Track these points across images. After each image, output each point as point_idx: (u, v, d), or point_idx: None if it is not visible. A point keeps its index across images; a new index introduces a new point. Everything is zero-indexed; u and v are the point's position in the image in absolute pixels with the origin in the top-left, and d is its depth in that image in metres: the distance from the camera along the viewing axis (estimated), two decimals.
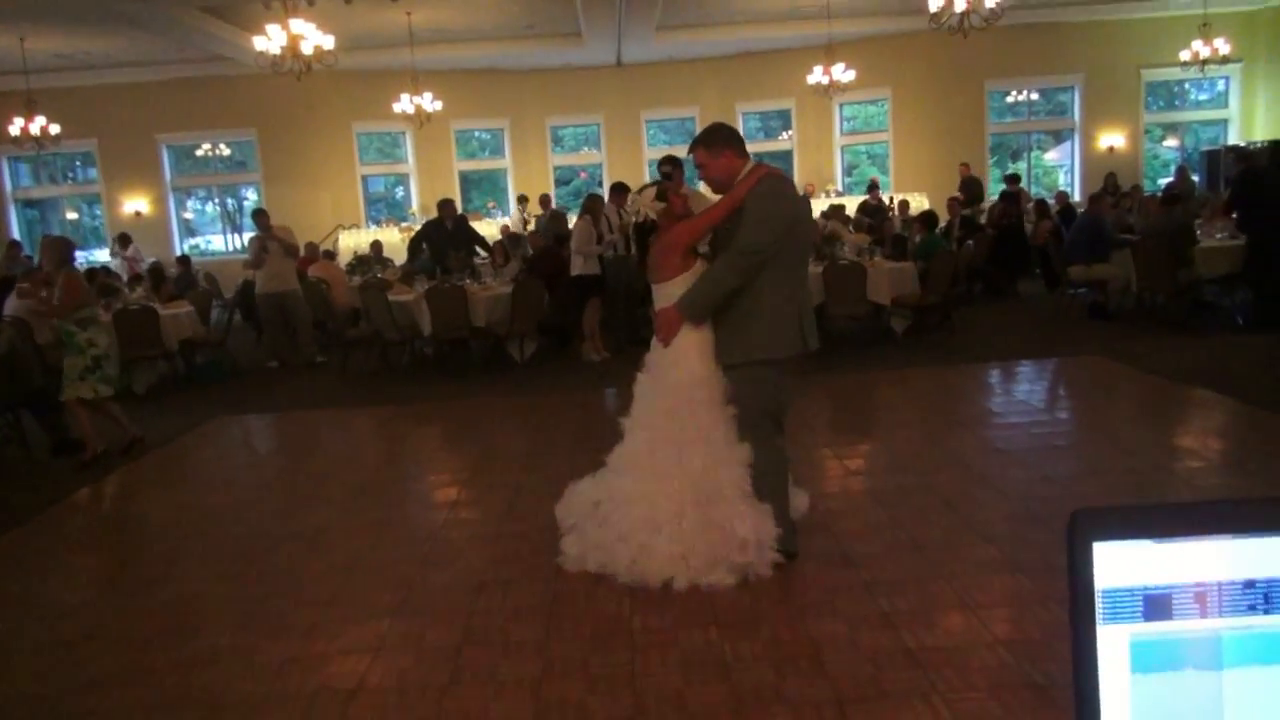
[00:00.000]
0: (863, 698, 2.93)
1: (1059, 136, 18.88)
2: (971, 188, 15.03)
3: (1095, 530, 0.81)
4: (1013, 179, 14.35)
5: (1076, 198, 16.37)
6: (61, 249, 6.78)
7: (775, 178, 3.88)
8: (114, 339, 6.71)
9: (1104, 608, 0.80)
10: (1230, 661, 0.81)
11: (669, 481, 3.79)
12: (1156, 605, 0.80)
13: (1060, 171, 18.95)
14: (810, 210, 4.29)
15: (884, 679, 3.04)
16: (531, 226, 14.74)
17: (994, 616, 3.43)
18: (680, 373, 3.85)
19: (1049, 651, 3.12)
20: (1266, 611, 0.80)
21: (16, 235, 16.74)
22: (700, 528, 3.75)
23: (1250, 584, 0.80)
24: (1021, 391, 7.40)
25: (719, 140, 3.91)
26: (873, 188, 15.69)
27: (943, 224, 12.15)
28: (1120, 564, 0.80)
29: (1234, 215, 9.36)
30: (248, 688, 3.26)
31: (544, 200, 14.23)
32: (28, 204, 18.26)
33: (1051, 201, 14.15)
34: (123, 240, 15.67)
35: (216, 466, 6.82)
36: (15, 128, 14.45)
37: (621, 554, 3.83)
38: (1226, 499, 0.79)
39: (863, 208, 14.95)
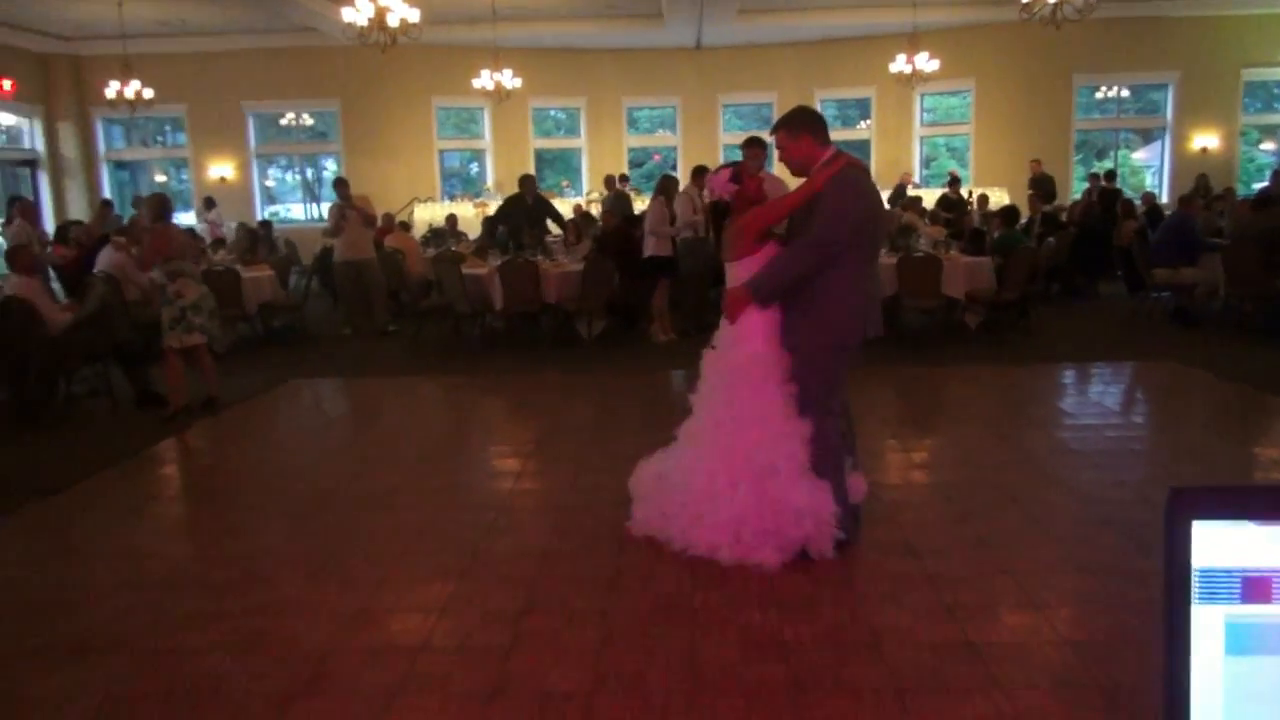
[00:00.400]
0: (923, 688, 2.92)
1: (1148, 135, 18.30)
2: (1043, 185, 14.64)
3: (1194, 509, 0.80)
4: (1109, 176, 13.95)
5: (1164, 199, 15.87)
6: (157, 205, 7.10)
7: (855, 168, 3.87)
8: (207, 292, 6.94)
9: (1200, 587, 0.80)
10: None
11: (728, 455, 3.86)
12: (1255, 588, 0.80)
13: (1148, 172, 18.38)
14: (881, 202, 4.24)
15: (945, 671, 3.02)
16: (596, 206, 14.76)
17: (1059, 616, 3.38)
18: (743, 351, 3.92)
19: (1115, 654, 3.07)
20: None
21: (108, 195, 17.32)
22: (755, 500, 3.81)
23: None
24: (1096, 393, 7.23)
25: (799, 123, 3.92)
26: (952, 181, 15.38)
27: (1023, 220, 11.88)
28: (1219, 544, 0.80)
29: None
30: (317, 637, 3.37)
31: (609, 181, 14.18)
32: (119, 165, 18.87)
33: (1138, 202, 13.74)
34: (207, 203, 16.14)
35: (290, 427, 7.02)
36: (111, 91, 14.93)
37: (677, 521, 3.97)
38: None
39: (942, 201, 14.69)
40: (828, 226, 3.71)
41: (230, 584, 3.86)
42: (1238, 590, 0.80)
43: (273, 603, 3.67)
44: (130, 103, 14.95)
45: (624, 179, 15.38)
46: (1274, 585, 0.79)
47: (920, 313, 9.37)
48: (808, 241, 3.77)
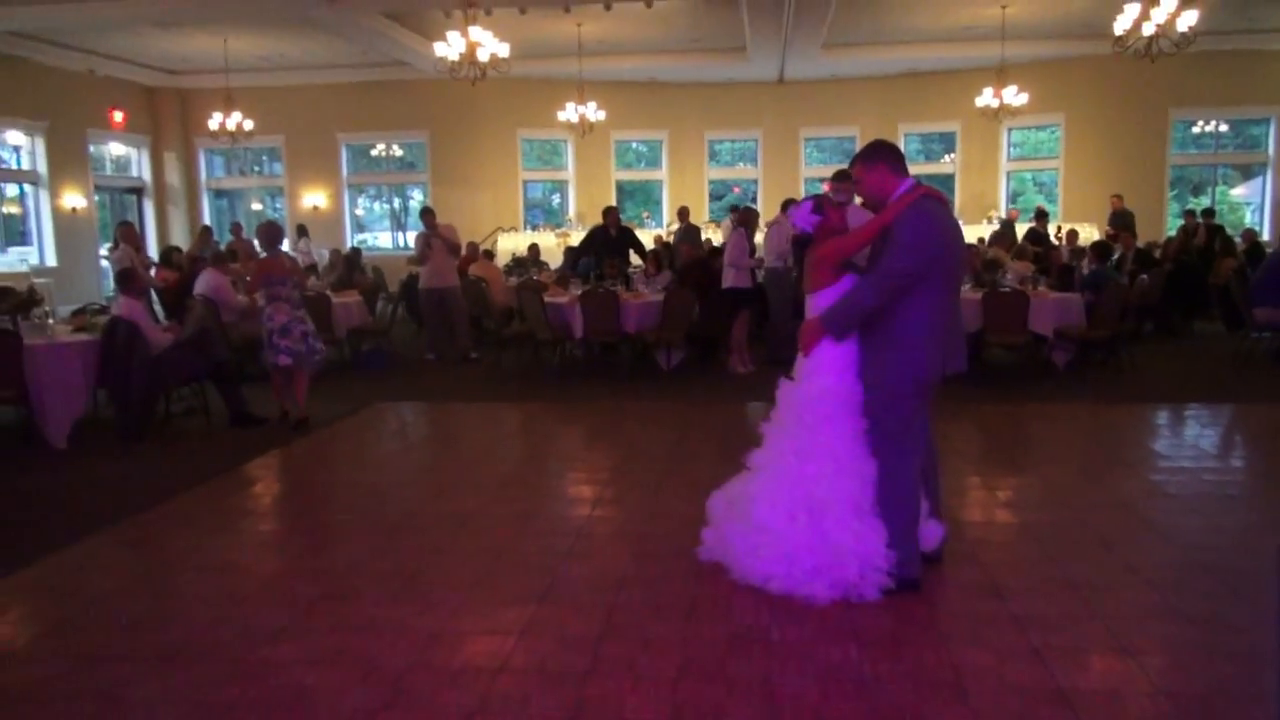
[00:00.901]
0: None
1: (1248, 171, 17.70)
2: (1124, 220, 14.27)
3: None
4: (1207, 213, 13.56)
5: (1266, 236, 15.31)
6: (270, 232, 7.63)
7: (930, 199, 3.82)
8: (302, 315, 7.42)
9: None
10: None
11: (790, 488, 3.85)
12: None
13: (1247, 209, 17.76)
14: (960, 235, 4.11)
15: (1031, 715, 2.93)
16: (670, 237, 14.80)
17: (1153, 664, 3.25)
18: (815, 384, 3.91)
19: (1211, 705, 2.95)
20: None
21: (208, 221, 18.06)
22: (809, 536, 3.78)
23: None
24: (1192, 436, 6.97)
25: (875, 155, 3.92)
26: (1040, 216, 15.07)
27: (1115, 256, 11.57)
28: None
29: None
30: (398, 655, 3.42)
31: (682, 213, 14.20)
32: (219, 193, 19.68)
33: (1238, 239, 13.27)
34: (300, 231, 16.70)
35: (374, 449, 7.17)
36: (214, 122, 15.62)
37: (737, 549, 3.97)
38: None
39: (1030, 235, 14.40)
40: (897, 258, 3.69)
41: (315, 600, 3.96)
42: None
43: (355, 620, 3.74)
44: (231, 133, 15.63)
45: (682, 212, 14.94)
46: None
47: (1006, 349, 9.17)
48: (878, 273, 3.76)
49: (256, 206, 19.81)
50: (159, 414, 7.40)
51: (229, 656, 3.46)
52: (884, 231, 3.79)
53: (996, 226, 15.41)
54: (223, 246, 13.70)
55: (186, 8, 12.47)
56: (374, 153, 19.14)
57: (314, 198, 18.47)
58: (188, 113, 18.13)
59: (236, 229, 15.08)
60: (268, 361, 7.36)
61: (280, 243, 7.67)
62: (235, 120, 15.61)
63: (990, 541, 4.54)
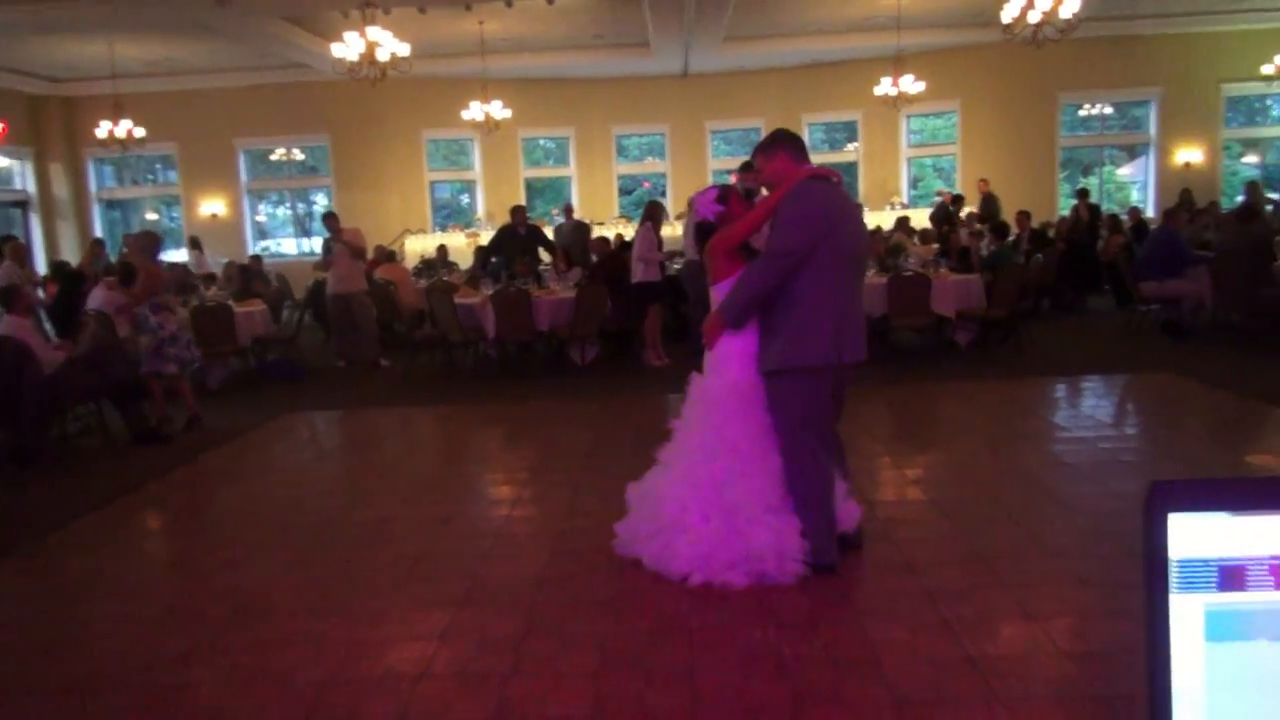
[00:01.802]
0: (922, 701, 2.92)
1: (1133, 151, 18.48)
2: (989, 205, 14.85)
3: (1171, 502, 0.82)
4: (1081, 193, 14.12)
5: (1150, 213, 16.00)
6: (148, 242, 7.45)
7: (817, 180, 3.82)
8: (186, 326, 7.45)
9: (1178, 577, 0.82)
10: None
11: (696, 487, 3.86)
12: (1231, 576, 0.82)
13: (1133, 187, 18.54)
14: (859, 217, 4.10)
15: (944, 684, 3.02)
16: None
17: (1058, 628, 3.39)
18: (719, 379, 3.91)
19: (1115, 664, 3.08)
20: None
21: (99, 234, 17.36)
22: (722, 533, 3.80)
23: None
24: (1089, 407, 7.27)
25: (774, 145, 3.94)
26: (956, 200, 15.27)
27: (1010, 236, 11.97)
28: (1195, 535, 0.82)
29: None
30: (316, 669, 3.36)
31: (567, 209, 14.13)
32: (110, 204, 18.93)
33: (1124, 217, 13.87)
34: (193, 243, 16.15)
35: (285, 460, 7.01)
36: (102, 130, 15.02)
37: (650, 546, 3.98)
38: None
39: (939, 214, 14.72)
40: (779, 237, 3.70)
41: (228, 619, 3.85)
42: (1215, 579, 0.82)
43: (271, 636, 3.66)
44: (121, 142, 15.04)
45: (567, 209, 14.73)
46: (1249, 573, 0.81)
47: (911, 331, 9.41)
48: (764, 254, 3.75)
49: (151, 216, 19.12)
50: (54, 435, 7.10)
51: (138, 684, 3.34)
52: (772, 215, 3.79)
53: (900, 212, 15.77)
54: (114, 259, 13.22)
55: (68, 13, 11.94)
56: (274, 157, 18.65)
57: (212, 205, 17.91)
58: (74, 121, 17.37)
59: (129, 241, 14.53)
60: (146, 370, 7.34)
61: (159, 252, 7.72)
62: (125, 128, 15.02)
63: (902, 519, 4.66)
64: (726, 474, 3.81)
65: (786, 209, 3.73)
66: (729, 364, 3.88)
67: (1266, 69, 14.78)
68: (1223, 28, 16.34)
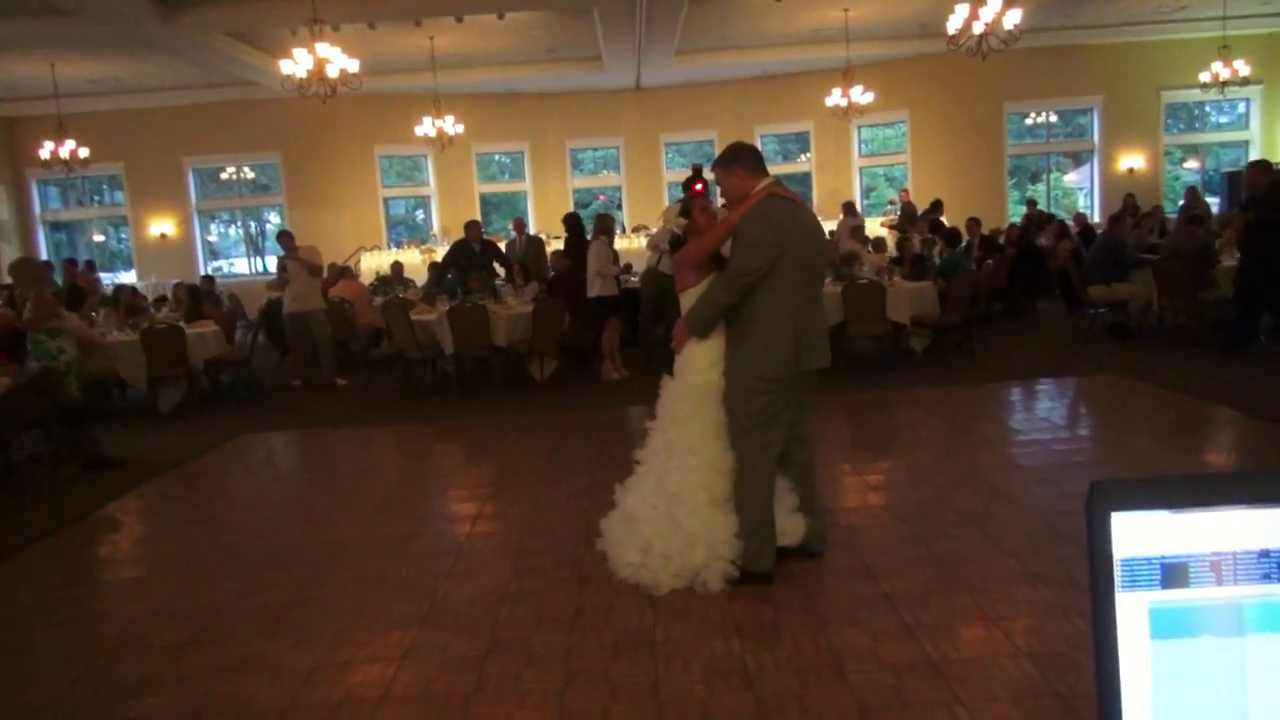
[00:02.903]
0: (885, 706, 2.94)
1: (1078, 158, 18.88)
2: (910, 214, 15.12)
3: (1114, 501, 0.84)
4: (1030, 203, 14.39)
5: (1096, 219, 16.34)
6: (40, 269, 7.57)
7: (774, 199, 3.88)
8: (109, 351, 7.86)
9: (1122, 576, 0.84)
10: (1252, 628, 0.84)
11: (654, 480, 4.01)
12: (1174, 574, 0.83)
13: (1080, 193, 18.92)
14: (818, 229, 4.19)
15: (906, 689, 3.05)
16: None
17: (1016, 628, 3.43)
18: (685, 380, 4.03)
19: (1072, 663, 3.12)
20: None
21: (45, 256, 17.01)
22: (663, 525, 3.93)
23: (1265, 554, 0.83)
24: (1042, 410, 7.39)
25: (731, 158, 4.01)
26: (935, 206, 15.27)
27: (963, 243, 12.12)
28: (1138, 534, 0.84)
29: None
30: (274, 696, 3.30)
31: (518, 224, 14.05)
32: (56, 226, 18.56)
33: (1071, 223, 14.15)
34: (89, 266, 15.68)
35: (241, 482, 6.90)
36: (45, 151, 14.73)
37: (611, 538, 4.15)
38: (1241, 470, 0.83)
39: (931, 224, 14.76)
40: (739, 258, 3.81)
41: (182, 646, 3.78)
42: (1158, 577, 0.83)
43: (227, 663, 3.59)
44: (65, 163, 14.76)
45: (518, 223, 14.51)
46: (1191, 570, 0.83)
47: (867, 339, 9.51)
48: (726, 273, 3.87)
49: (99, 238, 18.78)
50: (0, 464, 6.92)
51: (90, 715, 3.26)
52: (731, 232, 3.89)
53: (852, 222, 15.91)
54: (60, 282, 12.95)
55: (4, 31, 11.70)
56: (224, 176, 18.42)
57: (161, 225, 17.63)
58: (16, 142, 17.05)
59: (69, 265, 14.24)
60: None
61: (46, 278, 7.75)
62: (69, 148, 14.75)
63: (863, 526, 4.70)
64: (677, 468, 3.94)
65: (745, 229, 3.82)
66: (693, 367, 3.99)
67: (1203, 76, 15.18)
68: (1161, 37, 16.79)
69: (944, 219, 14.43)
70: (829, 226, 15.40)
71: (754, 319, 3.82)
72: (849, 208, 15.44)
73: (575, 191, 19.23)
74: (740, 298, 3.82)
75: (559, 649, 3.50)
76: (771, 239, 3.77)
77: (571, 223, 10.83)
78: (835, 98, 15.42)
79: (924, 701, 2.97)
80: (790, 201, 3.99)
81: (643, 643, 3.50)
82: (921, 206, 15.75)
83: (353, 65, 11.28)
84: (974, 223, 13.01)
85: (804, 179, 18.87)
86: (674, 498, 3.92)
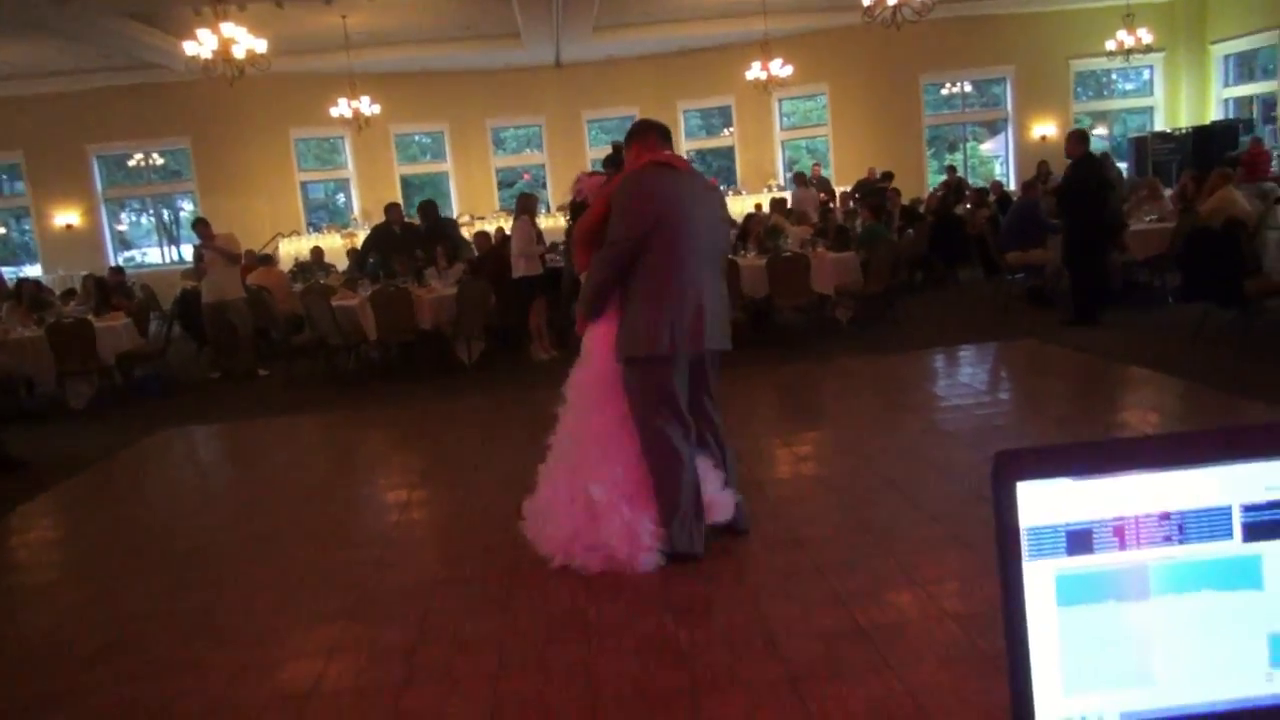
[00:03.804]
0: (818, 676, 2.97)
1: (994, 128, 19.26)
2: (825, 185, 15.48)
3: (1018, 470, 0.84)
4: (949, 170, 14.64)
5: (1012, 186, 16.71)
6: None
7: (652, 165, 3.77)
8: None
9: (1029, 544, 0.84)
10: (1157, 590, 0.84)
11: (568, 472, 3.91)
12: (1078, 540, 0.83)
13: (996, 162, 19.33)
14: (712, 202, 4.00)
15: (837, 657, 3.08)
16: (468, 229, 14.44)
17: (942, 591, 3.49)
18: (589, 367, 3.95)
19: (996, 623, 3.16)
20: (1181, 542, 0.84)
21: None
22: (584, 518, 3.84)
23: (1165, 516, 0.84)
24: (963, 375, 7.54)
25: (632, 135, 3.98)
26: (886, 176, 15.33)
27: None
28: (1042, 502, 0.83)
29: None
30: (198, 698, 3.20)
31: (426, 208, 13.36)
32: None
33: (987, 191, 14.45)
34: None
35: (158, 480, 6.69)
36: None
37: (530, 528, 4.05)
38: (1139, 436, 0.82)
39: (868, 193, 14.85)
40: (612, 226, 3.69)
41: (99, 653, 3.64)
42: (1063, 544, 0.83)
43: (144, 669, 3.47)
44: None
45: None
46: (1095, 537, 0.83)
47: (793, 310, 9.59)
48: (604, 245, 3.75)
49: (0, 230, 18.01)
50: None
51: None
52: (610, 203, 3.78)
53: (776, 194, 16.05)
54: None
55: None
56: (131, 163, 17.77)
57: (66, 216, 16.94)
58: None
59: None
60: None
61: None
62: None
63: (791, 497, 4.74)
64: (585, 458, 3.85)
65: (617, 198, 3.72)
66: (595, 353, 3.90)
67: (1109, 45, 15.58)
68: (1068, 6, 17.20)
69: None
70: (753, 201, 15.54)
71: (631, 297, 3.71)
72: (800, 178, 15.49)
73: (498, 171, 19.02)
74: (617, 269, 3.71)
75: (491, 635, 3.46)
76: (642, 205, 3.66)
77: (426, 210, 10.97)
78: (755, 71, 15.46)
79: (854, 667, 3.00)
80: (673, 169, 3.81)
81: (576, 624, 3.48)
82: (842, 182, 15.98)
83: (260, 45, 10.94)
84: (894, 193, 13.21)
85: (727, 153, 18.95)
86: (589, 489, 3.81)
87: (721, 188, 14.32)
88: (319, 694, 3.16)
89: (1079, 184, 8.50)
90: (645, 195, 3.69)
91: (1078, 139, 8.72)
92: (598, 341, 3.88)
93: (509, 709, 2.95)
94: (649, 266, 3.68)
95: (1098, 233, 8.54)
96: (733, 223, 9.69)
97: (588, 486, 3.82)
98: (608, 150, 14.10)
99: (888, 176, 15.04)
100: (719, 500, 4.02)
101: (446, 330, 9.15)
